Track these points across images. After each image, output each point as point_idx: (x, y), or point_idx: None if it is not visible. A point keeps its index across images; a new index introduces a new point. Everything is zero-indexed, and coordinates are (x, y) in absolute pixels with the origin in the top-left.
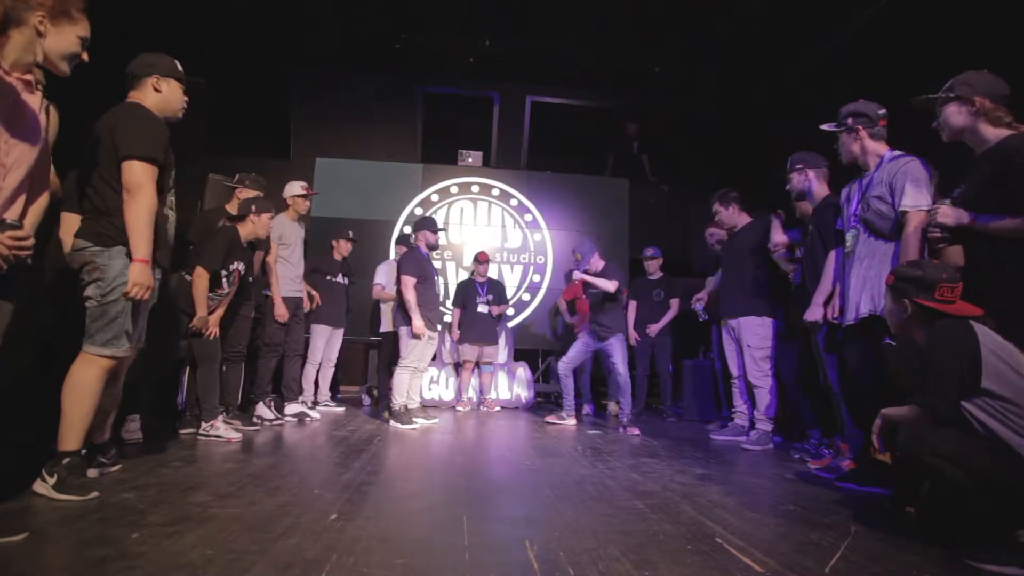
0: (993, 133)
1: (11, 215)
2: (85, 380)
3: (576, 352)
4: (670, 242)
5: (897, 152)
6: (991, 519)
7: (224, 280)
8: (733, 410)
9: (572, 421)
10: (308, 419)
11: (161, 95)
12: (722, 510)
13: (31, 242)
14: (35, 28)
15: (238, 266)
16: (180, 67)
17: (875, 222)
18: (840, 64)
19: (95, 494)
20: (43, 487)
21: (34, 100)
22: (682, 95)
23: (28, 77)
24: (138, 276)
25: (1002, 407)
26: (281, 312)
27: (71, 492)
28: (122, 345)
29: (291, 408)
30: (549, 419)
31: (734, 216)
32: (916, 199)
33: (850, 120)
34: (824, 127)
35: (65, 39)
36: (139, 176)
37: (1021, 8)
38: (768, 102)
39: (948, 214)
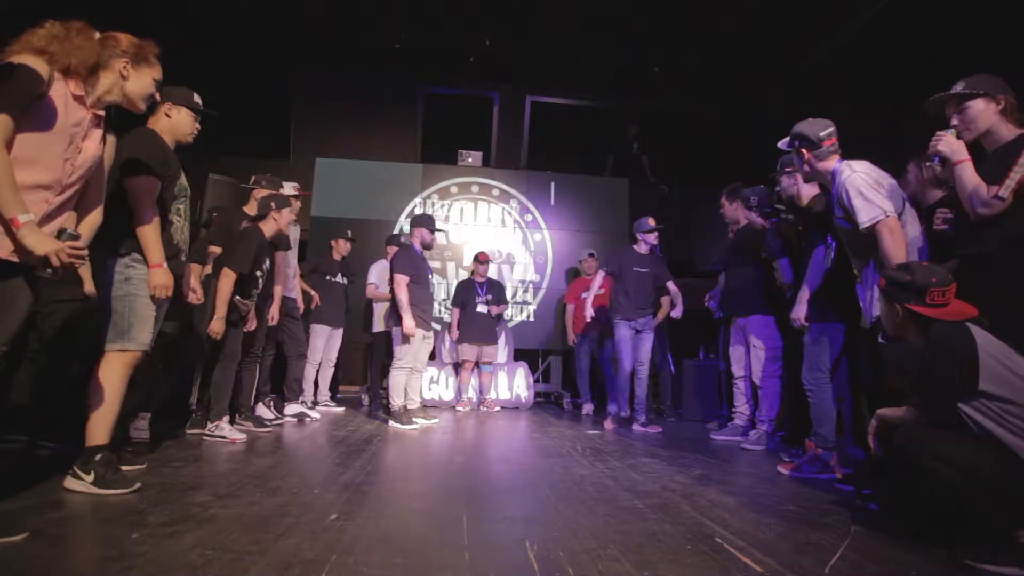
0: (1009, 132)
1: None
2: (106, 377)
3: (630, 348)
4: (670, 243)
5: (842, 164)
6: (990, 520)
7: (259, 280)
8: (734, 410)
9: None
10: (308, 419)
11: (171, 121)
12: (722, 510)
13: (85, 252)
14: (120, 72)
15: (267, 265)
16: (197, 98)
17: (848, 240)
18: (842, 64)
19: (138, 485)
20: (79, 484)
21: (97, 134)
22: (683, 95)
23: (101, 113)
24: (156, 279)
25: (1000, 408)
26: (274, 312)
27: (114, 486)
28: (132, 340)
29: (291, 408)
30: (607, 424)
31: (737, 212)
32: (870, 212)
33: (797, 143)
34: (780, 144)
35: (143, 81)
36: (138, 192)
37: (1021, 8)
38: (770, 102)
39: (949, 143)
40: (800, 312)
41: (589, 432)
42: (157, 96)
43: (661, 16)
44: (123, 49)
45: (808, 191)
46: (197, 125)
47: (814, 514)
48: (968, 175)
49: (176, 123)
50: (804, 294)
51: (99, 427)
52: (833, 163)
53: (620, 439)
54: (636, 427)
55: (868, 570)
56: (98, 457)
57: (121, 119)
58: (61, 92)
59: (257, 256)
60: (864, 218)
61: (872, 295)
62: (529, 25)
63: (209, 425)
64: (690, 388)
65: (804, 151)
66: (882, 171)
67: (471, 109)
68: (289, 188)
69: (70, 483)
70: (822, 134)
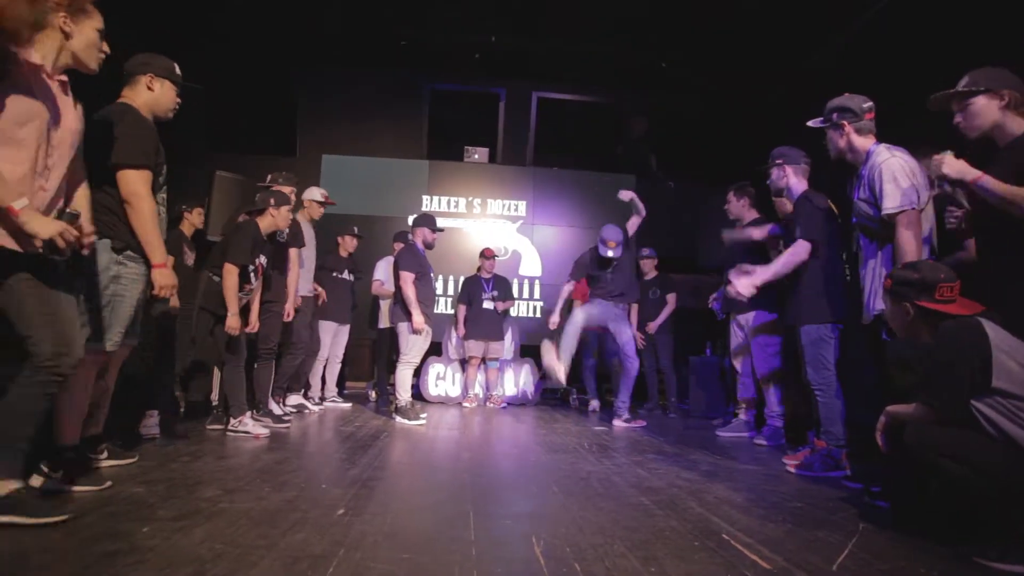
0: (1018, 126)
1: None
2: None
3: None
4: (677, 239)
5: (881, 146)
6: (999, 517)
7: (251, 275)
8: (738, 406)
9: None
10: (307, 411)
11: (153, 94)
12: (728, 507)
13: (91, 229)
14: (60, 29)
15: (261, 260)
16: (178, 69)
17: (866, 225)
18: (851, 60)
19: (108, 484)
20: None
21: (69, 102)
22: (689, 91)
23: (64, 79)
24: (161, 279)
25: (1013, 405)
26: (289, 309)
27: (83, 484)
28: (108, 341)
29: (291, 399)
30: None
31: (743, 210)
32: (898, 200)
33: (835, 115)
34: (811, 123)
35: (88, 35)
36: (134, 184)
37: (1021, 8)
38: (777, 98)
39: (952, 165)
40: (745, 289)
41: (595, 428)
42: (106, 47)
43: (668, 12)
44: (56, 1)
45: (798, 186)
46: (178, 99)
47: (822, 511)
48: (992, 184)
49: (158, 97)
50: (758, 278)
51: (66, 425)
52: (870, 142)
53: (625, 435)
54: (617, 423)
55: (876, 567)
56: (67, 455)
57: (102, 93)
58: (20, 63)
59: (252, 249)
60: (889, 204)
61: (873, 289)
62: (535, 21)
63: (232, 422)
64: (696, 385)
65: (845, 123)
66: (916, 161)
67: (477, 105)
68: (316, 193)
69: (37, 481)
70: (864, 106)
